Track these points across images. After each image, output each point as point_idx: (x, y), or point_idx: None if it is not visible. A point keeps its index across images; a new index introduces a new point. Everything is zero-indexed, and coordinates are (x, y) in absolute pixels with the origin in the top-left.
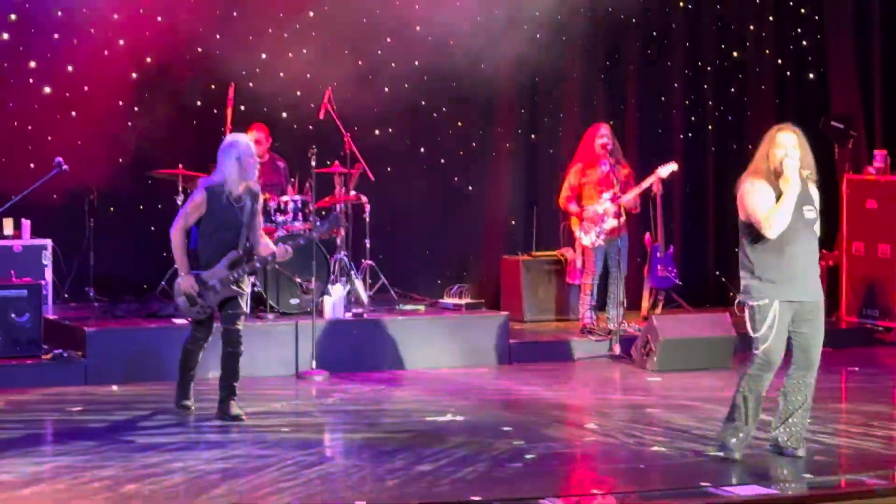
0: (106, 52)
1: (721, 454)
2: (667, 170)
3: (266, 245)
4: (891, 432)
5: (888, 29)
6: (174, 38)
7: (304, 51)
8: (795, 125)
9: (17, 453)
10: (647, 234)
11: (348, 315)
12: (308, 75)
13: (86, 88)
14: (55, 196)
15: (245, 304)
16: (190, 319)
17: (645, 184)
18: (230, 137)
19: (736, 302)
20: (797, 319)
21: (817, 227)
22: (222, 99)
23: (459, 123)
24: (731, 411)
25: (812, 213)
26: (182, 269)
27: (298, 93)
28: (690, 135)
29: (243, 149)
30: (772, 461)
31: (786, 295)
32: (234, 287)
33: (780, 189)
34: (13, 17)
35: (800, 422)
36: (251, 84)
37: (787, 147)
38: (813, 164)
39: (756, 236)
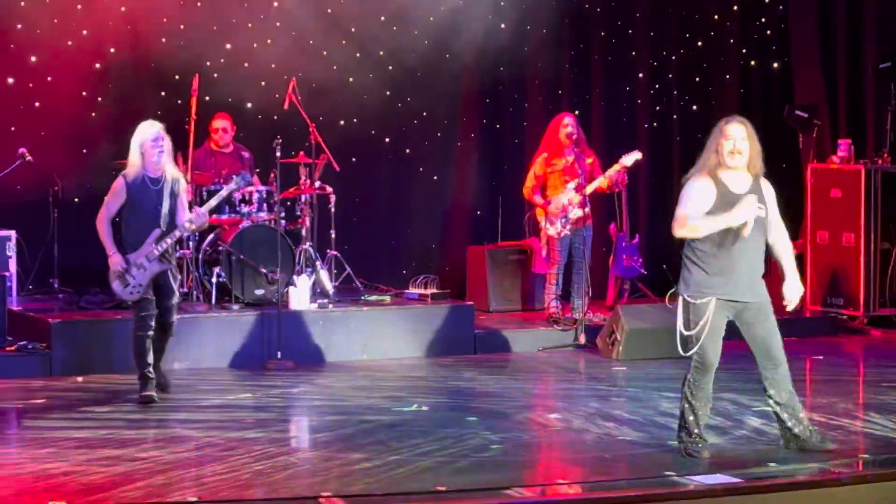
0: (70, 43)
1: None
2: (630, 158)
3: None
4: (855, 421)
5: (852, 18)
6: (138, 28)
7: (269, 41)
8: (759, 114)
9: None
10: (613, 224)
11: (313, 306)
12: (273, 65)
13: (49, 79)
14: (19, 187)
15: (176, 285)
16: (130, 304)
17: (609, 172)
18: (140, 125)
19: (670, 293)
20: (746, 323)
21: (780, 226)
22: (187, 89)
23: (424, 114)
24: (684, 422)
25: (761, 211)
26: (109, 250)
27: (263, 83)
28: (655, 124)
29: (146, 136)
30: (736, 449)
31: (727, 293)
32: (162, 261)
33: (723, 184)
34: None
35: (802, 415)
36: (215, 74)
37: (736, 139)
38: (760, 157)
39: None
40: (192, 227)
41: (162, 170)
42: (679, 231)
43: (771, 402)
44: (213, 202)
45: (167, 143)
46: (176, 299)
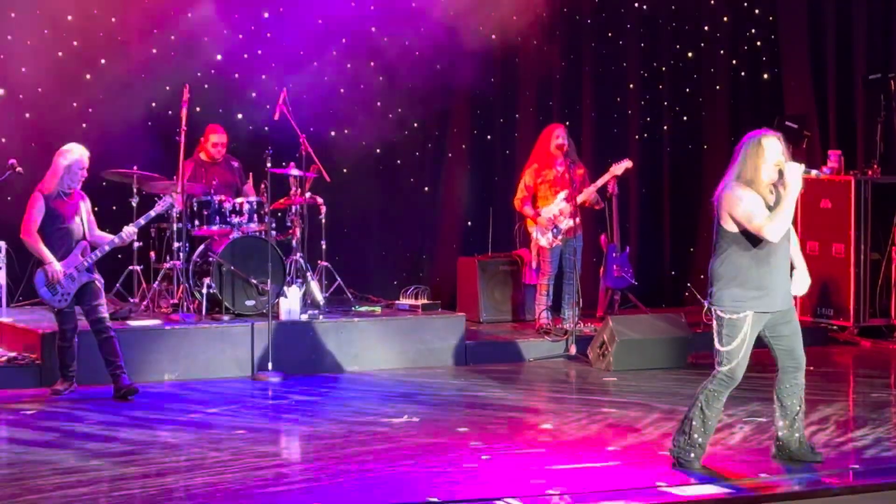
0: (60, 54)
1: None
2: (621, 167)
3: (105, 235)
4: (846, 431)
5: (841, 29)
6: (128, 39)
7: (259, 52)
8: (749, 125)
9: None
10: (603, 235)
11: (304, 317)
12: (263, 76)
13: (40, 90)
14: (9, 198)
15: (101, 291)
16: (55, 313)
17: (600, 182)
18: (68, 146)
19: (705, 310)
20: (773, 326)
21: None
22: (177, 100)
23: (415, 125)
24: (688, 427)
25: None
26: (46, 259)
27: (253, 94)
28: (646, 135)
29: (77, 160)
30: (727, 459)
31: (764, 306)
32: (88, 272)
33: (768, 198)
34: None
35: (801, 425)
36: (206, 85)
37: (778, 152)
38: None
39: (745, 245)
40: (121, 242)
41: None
42: (775, 233)
43: (778, 407)
44: (142, 221)
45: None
46: (99, 301)
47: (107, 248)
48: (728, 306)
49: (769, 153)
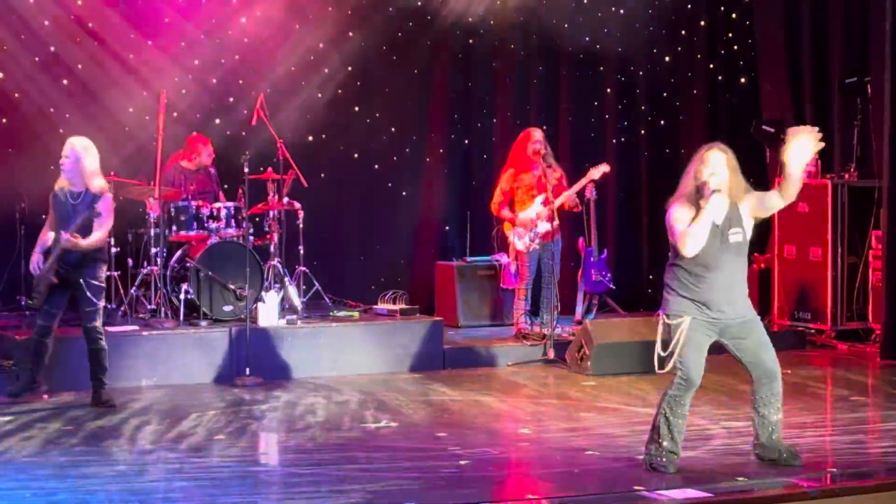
0: (37, 59)
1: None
2: (598, 171)
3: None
4: (822, 435)
5: (818, 34)
6: (105, 44)
7: (237, 57)
8: (727, 129)
9: None
10: (581, 239)
11: (282, 322)
12: (240, 81)
13: (17, 95)
14: None
15: (97, 297)
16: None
17: (577, 186)
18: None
19: (658, 314)
20: (734, 338)
21: (745, 249)
22: (154, 106)
23: (393, 129)
24: (656, 435)
25: (738, 235)
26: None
27: (231, 99)
28: (623, 139)
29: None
30: (706, 463)
31: (702, 313)
32: (50, 275)
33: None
34: None
35: (780, 433)
36: (183, 91)
37: (716, 167)
38: (744, 185)
39: (680, 256)
40: (61, 248)
41: (85, 184)
42: (686, 248)
43: (757, 419)
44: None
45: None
46: (94, 307)
47: (53, 253)
48: (669, 312)
49: (707, 166)
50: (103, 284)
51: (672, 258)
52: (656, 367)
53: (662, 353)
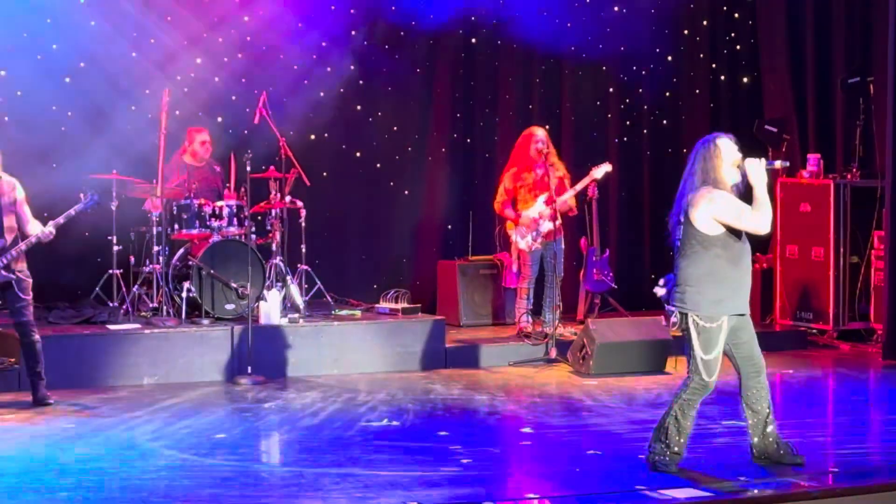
0: (39, 57)
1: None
2: (601, 171)
3: (36, 228)
4: (824, 435)
5: (820, 33)
6: (108, 42)
7: (239, 55)
8: (729, 129)
9: None
10: (583, 238)
11: (284, 320)
12: (243, 80)
13: (19, 93)
14: None
15: (28, 291)
16: None
17: (579, 185)
18: None
19: (673, 315)
20: (734, 331)
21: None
22: (157, 104)
23: (395, 128)
24: (664, 435)
25: None
26: None
27: (234, 97)
28: (625, 139)
29: None
30: (707, 463)
31: (735, 309)
32: (4, 272)
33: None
34: None
35: (774, 427)
36: (186, 89)
37: (733, 151)
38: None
39: (723, 246)
40: (38, 242)
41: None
42: (764, 224)
43: (748, 413)
44: (61, 220)
45: None
46: (23, 302)
47: (22, 245)
48: (705, 312)
49: (725, 153)
50: (31, 279)
51: (700, 249)
52: (704, 376)
53: (706, 357)
